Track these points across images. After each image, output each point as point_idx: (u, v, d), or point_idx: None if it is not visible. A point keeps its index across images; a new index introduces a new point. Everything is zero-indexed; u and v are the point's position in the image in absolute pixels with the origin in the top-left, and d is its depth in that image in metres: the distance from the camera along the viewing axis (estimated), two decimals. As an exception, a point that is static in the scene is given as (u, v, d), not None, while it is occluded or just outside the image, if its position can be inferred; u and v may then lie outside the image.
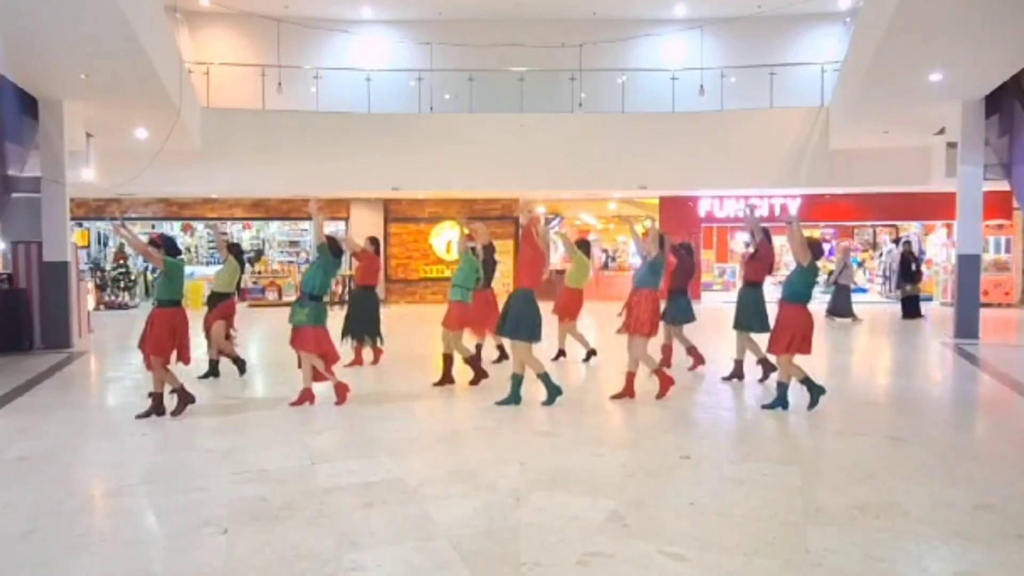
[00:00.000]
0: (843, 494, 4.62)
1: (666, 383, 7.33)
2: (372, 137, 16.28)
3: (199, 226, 20.07)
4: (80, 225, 18.85)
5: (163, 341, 6.67)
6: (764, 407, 6.88)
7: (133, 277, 19.05)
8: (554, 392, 7.11)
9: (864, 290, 20.24)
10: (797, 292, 6.72)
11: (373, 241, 9.61)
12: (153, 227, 20.13)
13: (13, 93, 10.42)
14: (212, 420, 6.72)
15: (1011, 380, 8.56)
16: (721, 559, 3.69)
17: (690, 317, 8.85)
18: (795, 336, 6.66)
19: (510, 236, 19.32)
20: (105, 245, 20.01)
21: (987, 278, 15.68)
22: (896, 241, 19.99)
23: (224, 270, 8.84)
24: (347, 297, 9.04)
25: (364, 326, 9.29)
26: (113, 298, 18.32)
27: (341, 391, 7.25)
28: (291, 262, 19.96)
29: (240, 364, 8.82)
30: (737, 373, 8.31)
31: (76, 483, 5.13)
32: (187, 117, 13.41)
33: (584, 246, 9.94)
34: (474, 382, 8.16)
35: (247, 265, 9.08)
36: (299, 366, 7.32)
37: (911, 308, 15.10)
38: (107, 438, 6.19)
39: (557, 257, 22.80)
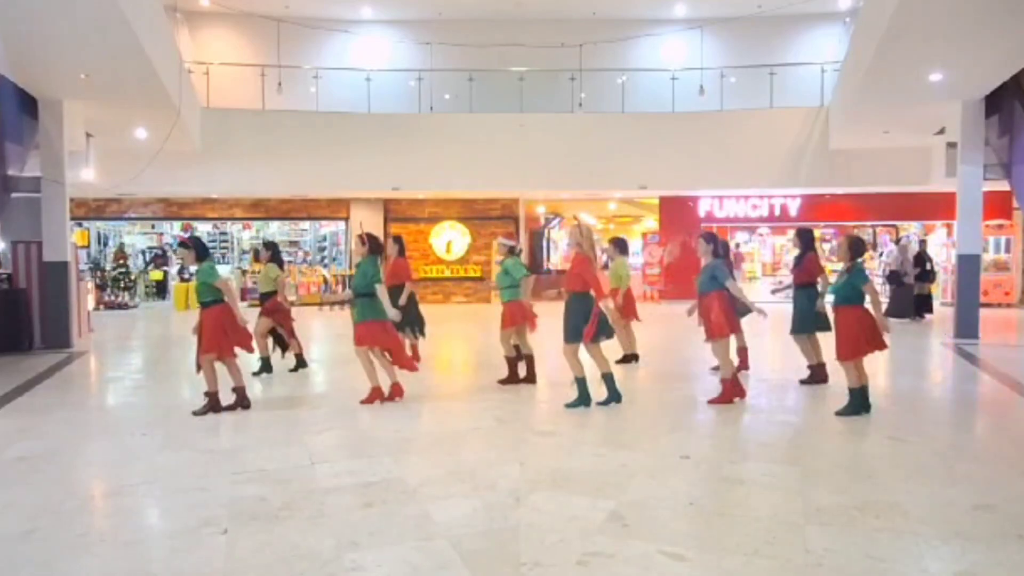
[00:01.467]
0: (843, 494, 4.62)
1: (730, 392, 7.12)
2: (372, 137, 16.28)
3: (199, 226, 20.09)
4: (80, 225, 18.86)
5: (216, 338, 6.73)
6: (838, 413, 6.64)
7: (133, 277, 19.06)
8: (582, 401, 6.95)
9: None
10: (848, 295, 6.57)
11: (397, 240, 9.57)
12: (153, 227, 20.21)
13: (13, 93, 10.42)
14: (212, 420, 6.71)
15: (1011, 380, 8.56)
16: (721, 559, 3.69)
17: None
18: (860, 338, 6.50)
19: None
20: (105, 245, 20.03)
21: (987, 278, 15.67)
22: (897, 241, 20.00)
23: (266, 270, 9.02)
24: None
25: (404, 323, 9.16)
26: (113, 298, 18.33)
27: (375, 394, 7.19)
28: (291, 262, 19.96)
29: (266, 364, 8.93)
30: (816, 377, 8.01)
31: (76, 483, 5.13)
32: (187, 117, 13.41)
33: (620, 244, 9.77)
34: (527, 380, 8.14)
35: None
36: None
37: (922, 307, 15.00)
38: (107, 438, 6.20)
39: (556, 257, 22.84)
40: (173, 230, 20.33)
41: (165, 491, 4.82)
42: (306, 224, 20.45)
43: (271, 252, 9.12)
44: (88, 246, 19.19)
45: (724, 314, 6.98)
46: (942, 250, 18.73)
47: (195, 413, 6.79)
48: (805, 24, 18.35)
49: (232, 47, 18.37)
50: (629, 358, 9.53)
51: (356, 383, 7.71)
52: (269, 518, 4.28)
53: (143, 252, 20.23)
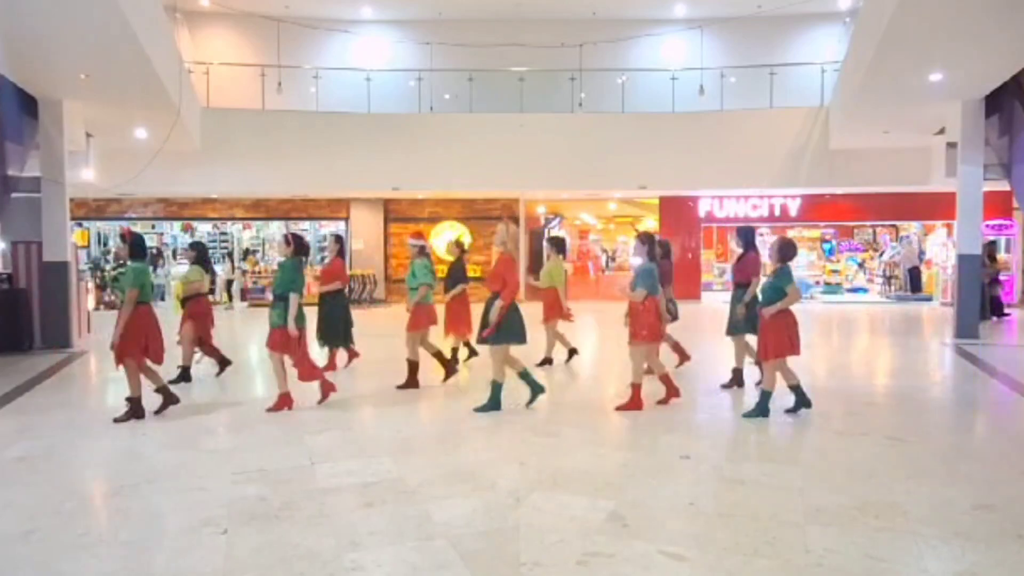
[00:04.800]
0: (843, 494, 4.62)
1: (672, 392, 7.15)
2: (372, 137, 16.28)
3: (199, 226, 20.09)
4: (80, 225, 18.85)
5: (135, 341, 6.58)
6: (745, 416, 6.67)
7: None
8: (537, 390, 6.97)
9: (866, 290, 20.27)
10: (773, 297, 6.49)
11: (337, 239, 9.40)
12: (153, 227, 20.20)
13: (13, 93, 10.42)
14: (212, 420, 6.72)
15: (1011, 380, 8.56)
16: (721, 559, 3.69)
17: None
18: (784, 340, 6.47)
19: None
20: (105, 245, 20.02)
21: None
22: (898, 241, 20.02)
23: (188, 272, 8.68)
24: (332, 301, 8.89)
25: (332, 330, 8.93)
26: (113, 298, 18.31)
27: (283, 401, 6.98)
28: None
29: (184, 373, 8.42)
30: (736, 381, 7.97)
31: (76, 483, 5.13)
32: (187, 117, 13.41)
33: (558, 244, 9.62)
34: (446, 379, 8.18)
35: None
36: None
37: (996, 307, 14.78)
38: (107, 438, 6.19)
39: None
40: (173, 230, 20.32)
41: (165, 491, 4.81)
42: (306, 224, 20.45)
43: (196, 253, 8.73)
44: (88, 246, 19.17)
45: (650, 320, 6.85)
46: (941, 250, 18.77)
47: (116, 420, 6.60)
48: (805, 24, 18.35)
49: (232, 47, 18.37)
50: (546, 361, 9.30)
51: (356, 383, 7.72)
52: (269, 518, 4.28)
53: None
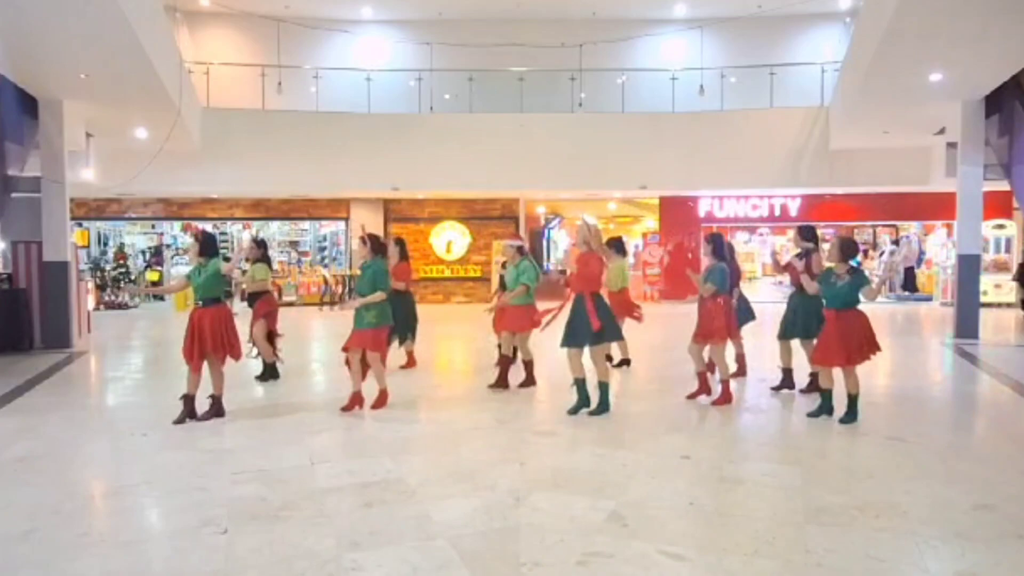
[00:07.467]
0: (843, 494, 4.62)
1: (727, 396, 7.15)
2: (372, 137, 16.27)
3: (199, 226, 20.10)
4: (80, 225, 18.86)
5: (216, 339, 6.68)
6: (842, 422, 6.47)
7: (133, 277, 19.05)
8: (584, 403, 6.79)
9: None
10: (853, 299, 6.39)
11: (398, 242, 9.34)
12: (153, 227, 20.22)
13: (13, 93, 10.41)
14: (212, 420, 6.71)
15: (1011, 380, 8.56)
16: (721, 559, 3.69)
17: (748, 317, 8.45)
18: (870, 340, 6.42)
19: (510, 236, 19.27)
20: (105, 245, 20.03)
21: (987, 278, 15.63)
22: (896, 242, 20.01)
23: (253, 270, 8.67)
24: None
25: (400, 327, 8.89)
26: (113, 298, 18.32)
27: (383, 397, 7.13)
28: (290, 263, 19.99)
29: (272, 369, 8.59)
30: (787, 383, 7.80)
31: (76, 483, 5.13)
32: (187, 117, 13.40)
33: (618, 245, 9.45)
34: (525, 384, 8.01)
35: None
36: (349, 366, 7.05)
37: None
38: (107, 438, 6.20)
39: (559, 255, 22.86)
40: (173, 230, 20.34)
41: (165, 491, 4.82)
42: (306, 224, 20.45)
43: (262, 251, 8.71)
44: (88, 246, 19.18)
45: (722, 319, 6.96)
46: (941, 250, 18.76)
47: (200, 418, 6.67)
48: (805, 24, 18.34)
49: (232, 47, 18.35)
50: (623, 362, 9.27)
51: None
52: (269, 518, 4.28)
53: (143, 252, 20.25)
